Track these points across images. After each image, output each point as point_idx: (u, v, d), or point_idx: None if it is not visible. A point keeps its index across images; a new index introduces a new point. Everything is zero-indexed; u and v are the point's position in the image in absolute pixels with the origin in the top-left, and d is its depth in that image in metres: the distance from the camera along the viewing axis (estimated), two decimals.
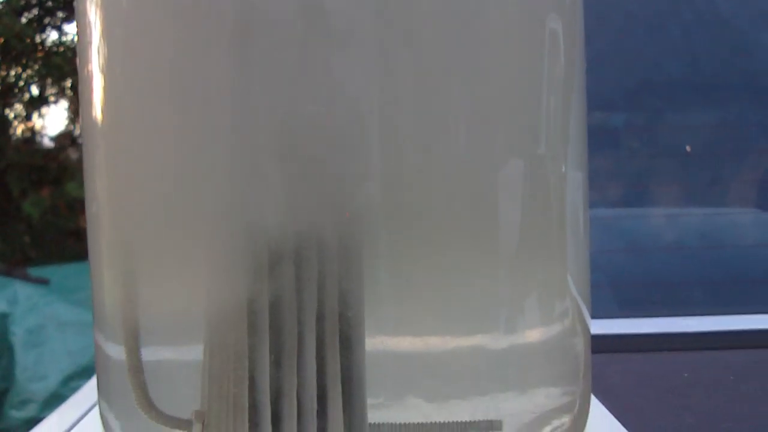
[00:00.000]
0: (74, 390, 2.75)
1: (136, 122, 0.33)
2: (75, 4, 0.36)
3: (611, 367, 0.57)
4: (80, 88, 0.36)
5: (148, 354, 0.33)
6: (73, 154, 4.49)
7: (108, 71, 0.33)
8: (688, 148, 0.86)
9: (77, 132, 4.57)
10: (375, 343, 0.30)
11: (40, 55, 4.29)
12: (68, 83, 4.36)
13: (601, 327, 0.61)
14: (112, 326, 0.34)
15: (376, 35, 0.30)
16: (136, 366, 0.33)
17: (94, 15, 0.34)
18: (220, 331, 0.29)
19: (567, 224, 0.35)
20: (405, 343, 0.32)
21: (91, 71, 0.35)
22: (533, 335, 0.34)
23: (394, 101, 0.30)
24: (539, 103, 0.34)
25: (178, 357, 0.33)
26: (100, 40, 0.34)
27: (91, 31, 0.34)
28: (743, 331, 0.64)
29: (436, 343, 0.32)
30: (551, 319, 0.35)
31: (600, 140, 0.88)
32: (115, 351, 0.34)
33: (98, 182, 0.35)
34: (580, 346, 0.36)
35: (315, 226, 0.30)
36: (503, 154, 0.33)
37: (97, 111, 0.34)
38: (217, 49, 0.31)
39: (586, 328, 0.37)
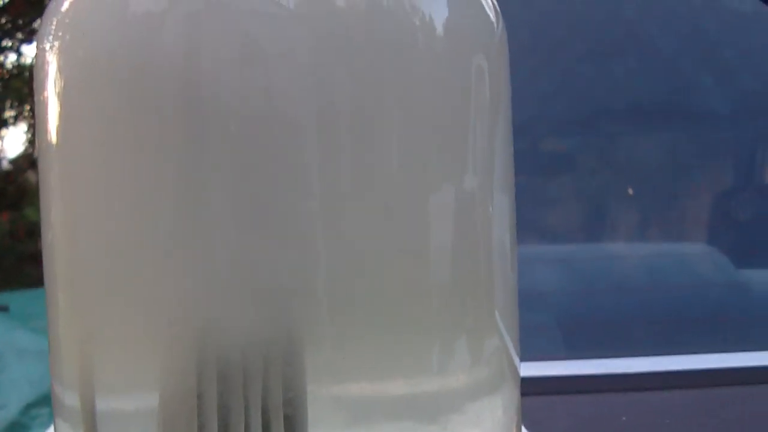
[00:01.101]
0: (35, 418, 2.71)
1: (92, 215, 0.34)
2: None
3: (553, 410, 0.58)
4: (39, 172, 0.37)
5: (103, 406, 0.34)
6: (32, 177, 4.44)
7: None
8: (630, 191, 0.89)
9: (36, 154, 4.52)
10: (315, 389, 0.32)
11: None
12: (27, 106, 4.32)
13: (544, 368, 0.63)
14: (68, 370, 0.35)
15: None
16: (90, 417, 0.34)
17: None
18: (170, 419, 0.31)
19: (494, 261, 0.36)
20: (341, 391, 0.33)
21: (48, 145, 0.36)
22: (462, 377, 0.35)
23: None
24: (465, 137, 0.35)
25: (134, 410, 0.34)
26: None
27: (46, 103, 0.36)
28: (684, 372, 0.66)
29: (370, 391, 0.34)
30: (480, 362, 0.35)
31: (541, 175, 0.90)
32: (72, 400, 0.35)
33: (58, 270, 0.36)
34: (511, 387, 0.37)
35: (261, 334, 0.32)
36: (432, 190, 0.34)
37: (53, 204, 0.36)
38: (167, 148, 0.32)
39: (516, 369, 0.38)
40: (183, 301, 0.32)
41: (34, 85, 0.37)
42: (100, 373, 0.34)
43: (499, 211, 0.37)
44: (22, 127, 4.47)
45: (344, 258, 0.33)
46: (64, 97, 0.35)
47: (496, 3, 0.39)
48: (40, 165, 0.37)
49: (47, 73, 0.36)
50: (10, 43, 4.39)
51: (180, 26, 0.32)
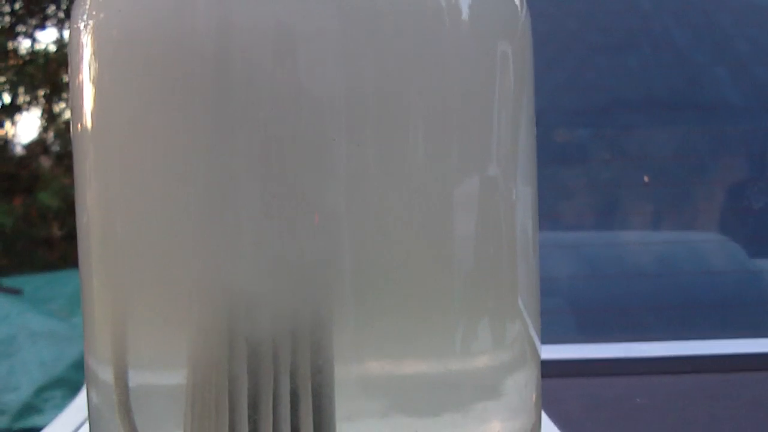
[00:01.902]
0: (47, 401, 2.73)
1: (126, 197, 0.35)
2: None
3: (568, 391, 0.59)
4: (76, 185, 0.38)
5: (136, 381, 0.36)
6: (45, 162, 4.46)
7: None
8: (646, 179, 0.90)
9: (49, 140, 4.54)
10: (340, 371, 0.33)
11: (12, 63, 4.26)
12: (41, 92, 4.34)
13: (559, 352, 0.64)
14: (103, 355, 0.36)
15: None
16: (125, 403, 0.35)
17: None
18: (200, 395, 0.32)
19: (517, 246, 0.37)
20: (366, 369, 0.34)
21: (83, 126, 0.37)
22: (485, 359, 0.35)
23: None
24: (490, 123, 0.36)
25: (165, 385, 0.35)
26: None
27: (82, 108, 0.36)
28: (696, 357, 0.67)
29: (395, 369, 0.35)
30: (503, 344, 0.36)
31: (559, 163, 0.91)
32: (106, 375, 0.36)
33: (93, 251, 0.37)
34: (532, 369, 0.38)
35: (289, 312, 0.33)
36: (457, 175, 0.35)
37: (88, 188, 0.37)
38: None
39: (537, 352, 0.39)
40: (213, 280, 0.33)
41: (69, 65, 0.38)
42: (133, 349, 0.35)
43: (522, 197, 0.37)
44: (36, 112, 4.50)
45: (370, 239, 0.33)
46: (98, 77, 0.36)
47: None
48: (75, 146, 0.38)
49: (82, 53, 0.36)
50: (24, 29, 4.40)
51: (212, 5, 0.33)
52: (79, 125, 0.37)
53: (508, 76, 0.37)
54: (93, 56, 0.36)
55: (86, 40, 0.36)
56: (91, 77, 0.36)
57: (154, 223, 0.35)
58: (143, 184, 0.35)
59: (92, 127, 0.37)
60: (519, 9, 0.39)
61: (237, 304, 0.33)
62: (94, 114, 0.36)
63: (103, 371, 0.36)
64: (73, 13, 0.38)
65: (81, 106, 0.37)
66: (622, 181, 0.92)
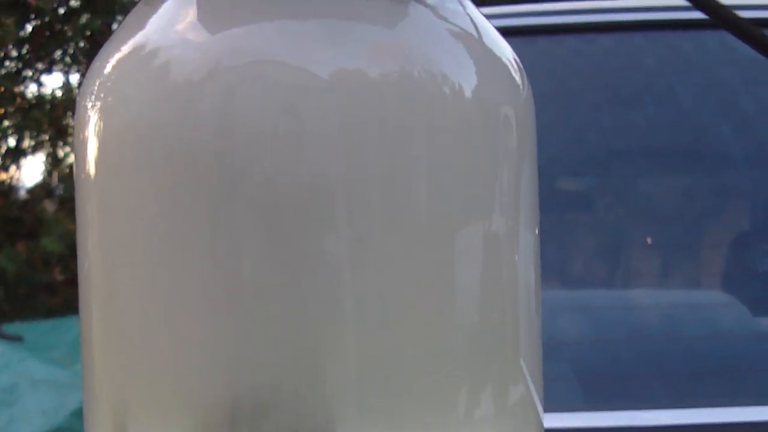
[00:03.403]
0: None
1: (129, 293, 0.35)
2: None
3: None
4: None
5: None
6: (48, 206, 4.47)
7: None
8: (648, 240, 0.90)
9: (53, 184, 4.56)
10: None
11: (18, 104, 4.30)
12: (46, 137, 4.37)
13: (563, 420, 0.63)
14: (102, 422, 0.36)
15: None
16: None
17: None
18: None
19: (519, 306, 0.36)
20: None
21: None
22: (487, 427, 0.35)
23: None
24: (492, 190, 0.36)
25: None
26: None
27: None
28: (704, 425, 0.66)
29: None
30: (505, 409, 0.35)
31: (562, 221, 0.91)
32: None
33: (94, 332, 0.37)
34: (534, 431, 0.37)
35: (291, 391, 0.32)
36: (460, 236, 0.34)
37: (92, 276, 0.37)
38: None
39: (540, 418, 0.38)
40: (215, 362, 0.33)
41: (74, 140, 0.38)
42: (134, 417, 0.35)
43: (525, 256, 0.37)
44: (40, 156, 4.52)
45: (371, 307, 0.33)
46: (102, 158, 0.36)
47: (520, 63, 0.40)
48: (79, 219, 0.38)
49: (87, 131, 0.37)
50: (30, 73, 4.44)
51: (217, 96, 0.34)
52: (83, 203, 0.37)
53: (510, 144, 0.37)
54: (98, 134, 0.36)
55: (93, 118, 0.36)
56: (96, 156, 0.36)
57: (156, 318, 0.34)
58: (145, 267, 0.35)
59: (96, 206, 0.37)
60: (520, 84, 0.39)
61: (240, 399, 0.33)
62: (98, 194, 0.37)
63: None
64: (82, 90, 0.38)
65: (86, 187, 0.37)
66: (625, 239, 0.92)
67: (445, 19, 0.37)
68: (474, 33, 0.37)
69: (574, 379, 0.77)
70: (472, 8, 0.38)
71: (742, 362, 0.82)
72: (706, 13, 0.44)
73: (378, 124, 0.34)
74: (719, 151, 0.97)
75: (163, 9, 0.37)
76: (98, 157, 0.36)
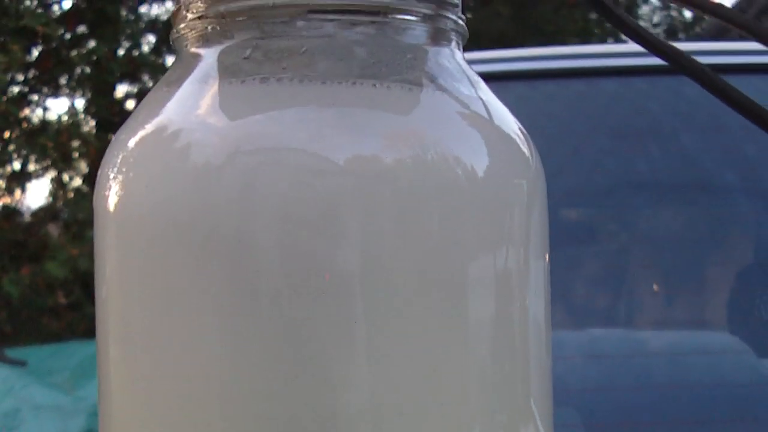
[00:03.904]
0: None
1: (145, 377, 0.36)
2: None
3: None
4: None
5: None
6: (52, 230, 4.49)
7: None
8: (655, 288, 0.90)
9: (58, 207, 4.58)
10: None
11: (24, 127, 4.32)
12: (50, 161, 4.39)
13: None
14: None
15: None
16: None
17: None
18: None
19: (530, 344, 0.37)
20: None
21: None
22: None
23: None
24: (504, 238, 0.37)
25: None
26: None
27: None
28: None
29: None
30: None
31: (570, 269, 0.92)
32: None
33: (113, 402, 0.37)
34: None
35: None
36: (473, 267, 0.35)
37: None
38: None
39: None
40: (227, 423, 0.34)
41: (94, 203, 0.39)
42: None
43: (535, 297, 0.38)
44: (45, 180, 4.54)
45: (383, 354, 0.34)
46: (119, 233, 0.37)
47: (528, 136, 0.41)
48: (98, 308, 0.39)
49: (107, 200, 0.37)
50: (36, 98, 4.47)
51: (236, 180, 0.34)
52: (101, 275, 0.38)
53: (521, 214, 0.38)
54: (117, 205, 0.37)
55: (113, 188, 0.37)
56: (114, 228, 0.37)
57: (169, 364, 0.35)
58: (161, 358, 0.35)
59: (112, 281, 0.37)
60: (530, 157, 0.40)
61: None
62: (117, 274, 0.37)
63: None
64: (105, 159, 0.39)
65: (104, 266, 0.38)
66: (630, 282, 0.93)
67: (457, 103, 0.38)
68: (485, 114, 0.38)
69: (581, 426, 0.77)
70: (482, 88, 0.40)
71: (748, 409, 0.82)
72: (665, 59, 0.45)
73: (393, 206, 0.34)
74: (723, 191, 0.97)
75: (184, 91, 0.38)
76: (116, 230, 0.37)
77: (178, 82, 0.38)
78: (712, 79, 0.44)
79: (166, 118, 0.37)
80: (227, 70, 0.37)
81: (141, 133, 0.38)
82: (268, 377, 0.34)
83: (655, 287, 0.90)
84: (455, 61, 0.40)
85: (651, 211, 0.95)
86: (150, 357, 0.36)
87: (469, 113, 0.38)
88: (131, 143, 0.38)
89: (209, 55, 0.38)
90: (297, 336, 0.34)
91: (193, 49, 0.39)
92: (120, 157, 0.38)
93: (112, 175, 0.38)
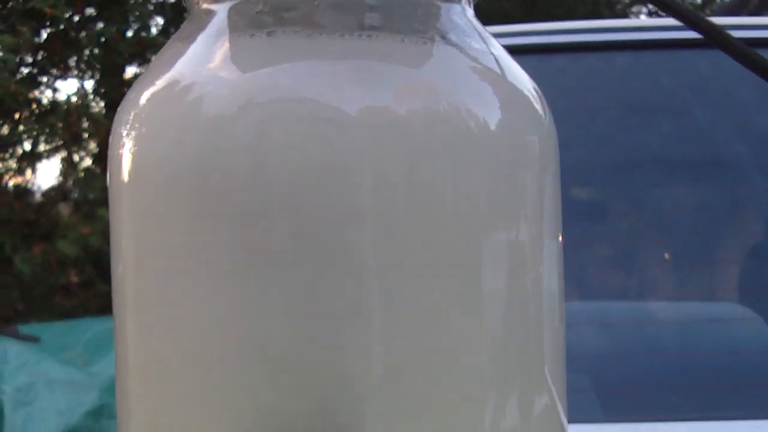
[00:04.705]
0: None
1: (158, 311, 0.36)
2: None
3: None
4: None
5: None
6: (63, 209, 4.50)
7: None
8: (666, 257, 0.90)
9: (68, 188, 4.59)
10: None
11: (34, 110, 4.33)
12: (61, 141, 4.40)
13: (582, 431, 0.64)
14: None
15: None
16: None
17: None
18: None
19: (544, 315, 0.37)
20: None
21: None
22: None
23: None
24: (518, 202, 0.37)
25: None
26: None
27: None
28: None
29: None
30: (530, 419, 0.36)
31: (581, 236, 0.91)
32: None
33: (130, 360, 0.38)
34: None
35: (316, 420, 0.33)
36: (487, 237, 0.35)
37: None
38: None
39: (564, 428, 0.38)
40: (241, 390, 0.34)
41: (108, 164, 0.39)
42: None
43: (549, 267, 0.38)
44: (55, 161, 4.56)
45: (398, 323, 0.34)
46: (133, 188, 0.37)
47: (541, 93, 0.41)
48: (113, 252, 0.39)
49: (121, 158, 0.38)
50: (45, 79, 4.48)
51: (248, 132, 0.35)
52: (116, 229, 0.38)
53: (533, 173, 0.38)
54: (131, 162, 0.37)
55: (126, 146, 0.37)
56: (129, 183, 0.37)
57: (185, 339, 0.35)
58: (177, 302, 0.36)
59: (128, 233, 0.38)
60: (543, 115, 0.40)
61: (264, 413, 0.34)
62: (130, 222, 0.38)
63: None
64: (117, 118, 0.39)
65: (120, 217, 0.38)
66: (643, 253, 0.93)
67: (469, 57, 0.38)
68: (497, 69, 0.38)
69: (593, 390, 0.78)
70: (494, 45, 0.39)
71: (758, 376, 0.82)
72: (701, 33, 0.45)
73: (405, 157, 0.35)
74: (735, 166, 0.97)
75: (196, 46, 0.38)
76: (130, 187, 0.37)
77: (190, 38, 0.38)
78: (746, 53, 0.43)
79: (178, 72, 0.37)
80: (239, 25, 0.37)
81: (153, 89, 0.38)
82: (282, 336, 0.34)
83: (666, 256, 0.90)
84: (466, 17, 0.40)
85: (662, 184, 0.95)
86: (165, 314, 0.36)
87: (481, 68, 0.38)
88: (143, 100, 0.38)
89: (221, 11, 0.38)
90: (309, 290, 0.34)
91: (204, 6, 0.39)
92: (132, 114, 0.38)
93: (125, 133, 0.38)
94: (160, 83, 0.38)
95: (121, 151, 0.38)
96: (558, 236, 0.39)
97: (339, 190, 0.34)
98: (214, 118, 0.35)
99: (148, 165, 0.37)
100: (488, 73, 0.38)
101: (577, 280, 0.90)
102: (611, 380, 0.81)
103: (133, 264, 0.37)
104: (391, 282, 0.34)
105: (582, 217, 0.96)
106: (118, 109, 0.40)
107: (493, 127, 0.37)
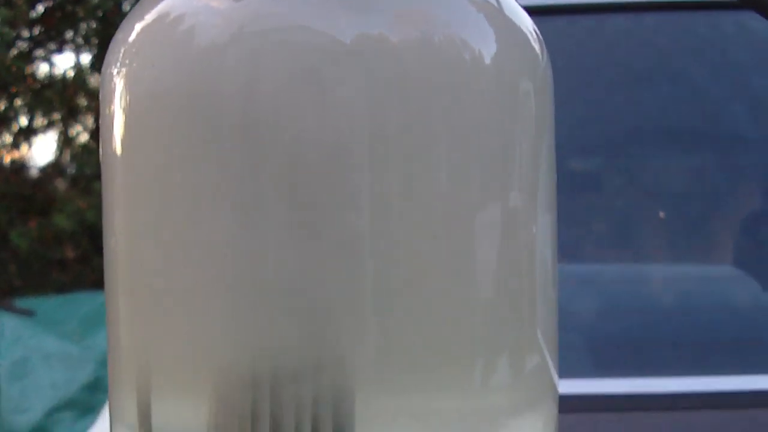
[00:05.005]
0: (58, 423, 2.74)
1: (152, 244, 0.36)
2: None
3: (581, 427, 0.59)
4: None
5: (159, 417, 0.36)
6: (60, 185, 4.49)
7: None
8: (661, 215, 0.90)
9: (65, 163, 4.58)
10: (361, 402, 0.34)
11: (30, 84, 4.31)
12: (57, 116, 4.38)
13: (575, 387, 0.64)
14: (125, 389, 0.37)
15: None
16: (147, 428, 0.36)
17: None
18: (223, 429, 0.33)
19: (537, 277, 0.37)
20: (386, 403, 0.34)
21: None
22: (504, 393, 0.35)
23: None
24: (512, 159, 0.36)
25: (190, 424, 0.36)
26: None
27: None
28: (712, 393, 0.67)
29: (417, 406, 0.35)
30: (521, 377, 0.36)
31: (575, 196, 0.91)
32: (130, 410, 0.37)
33: (120, 300, 0.38)
34: (550, 403, 0.38)
35: (310, 350, 0.33)
36: (479, 208, 0.35)
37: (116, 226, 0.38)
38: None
39: (555, 386, 0.38)
40: (235, 330, 0.34)
41: (100, 107, 0.39)
42: (157, 385, 0.36)
43: (542, 229, 0.38)
44: (52, 135, 4.54)
45: (392, 273, 0.34)
46: (128, 122, 0.37)
47: (539, 34, 0.40)
48: (104, 194, 0.39)
49: (113, 98, 0.37)
50: (42, 54, 4.45)
51: (241, 61, 0.34)
52: (109, 167, 0.38)
53: (529, 113, 0.38)
54: (124, 100, 0.37)
55: (118, 85, 0.37)
56: (122, 119, 0.37)
57: (178, 286, 0.35)
58: (169, 230, 0.35)
59: (121, 170, 0.38)
60: (539, 53, 0.39)
61: (260, 367, 0.34)
62: (123, 156, 0.37)
63: (129, 406, 0.37)
64: (107, 59, 0.39)
65: (111, 146, 0.38)
66: (638, 215, 0.93)
67: None
68: (494, 3, 0.38)
69: (586, 347, 0.78)
70: None
71: (749, 332, 0.82)
72: None
73: (398, 86, 0.34)
74: (731, 130, 0.97)
75: None
76: (124, 121, 0.37)
77: None
78: None
79: (168, 5, 0.37)
80: None
81: (142, 24, 0.37)
82: (277, 265, 0.34)
83: (661, 215, 0.90)
84: None
85: (659, 146, 0.95)
86: (157, 248, 0.36)
87: (479, 1, 0.38)
88: (132, 36, 0.38)
89: None
90: (303, 215, 0.34)
91: None
92: (122, 51, 0.38)
93: (115, 71, 0.38)
94: (149, 17, 0.37)
95: (112, 86, 0.38)
96: (553, 199, 0.39)
97: (332, 116, 0.34)
98: (207, 47, 0.35)
99: (140, 97, 0.37)
100: (486, 7, 0.38)
101: (568, 241, 0.90)
102: (603, 337, 0.81)
103: (124, 195, 0.37)
104: (383, 201, 0.34)
105: (578, 181, 0.96)
106: (107, 53, 0.39)
107: (488, 61, 0.36)
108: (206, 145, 0.35)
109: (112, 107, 0.38)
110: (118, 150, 0.37)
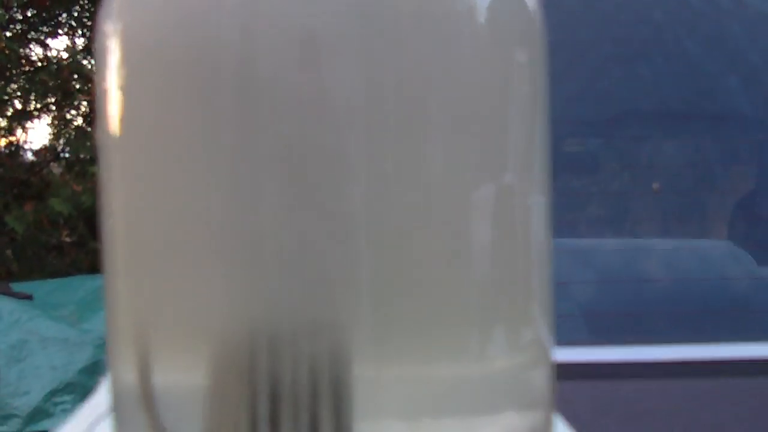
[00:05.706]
0: (57, 405, 2.74)
1: (150, 203, 0.36)
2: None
3: (579, 393, 0.60)
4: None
5: (158, 380, 0.36)
6: (55, 168, 4.48)
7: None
8: (654, 186, 0.90)
9: (60, 147, 4.56)
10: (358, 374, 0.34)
11: (25, 68, 4.29)
12: (52, 99, 4.36)
13: (570, 354, 0.64)
14: (126, 351, 0.37)
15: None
16: (149, 393, 0.36)
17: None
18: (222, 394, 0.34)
19: (532, 252, 0.37)
20: (384, 371, 0.35)
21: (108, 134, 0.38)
22: (500, 362, 0.36)
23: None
24: (506, 128, 0.36)
25: (189, 383, 0.36)
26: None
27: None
28: (706, 360, 0.68)
29: (414, 372, 0.35)
30: (517, 347, 0.37)
31: (570, 172, 0.92)
32: (129, 376, 0.37)
33: (117, 256, 0.38)
34: (545, 371, 0.38)
35: (309, 318, 0.34)
36: (473, 183, 0.35)
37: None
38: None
39: (550, 356, 0.39)
40: (234, 284, 0.34)
41: (96, 67, 0.39)
42: (157, 349, 0.36)
43: (536, 204, 0.38)
44: (47, 119, 4.53)
45: (388, 245, 0.34)
46: (124, 80, 0.37)
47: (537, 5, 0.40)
48: (101, 146, 0.39)
49: (108, 56, 0.37)
50: (36, 36, 4.43)
51: (237, 9, 0.34)
52: (105, 123, 0.38)
53: (524, 80, 0.38)
54: (119, 59, 0.37)
55: (113, 44, 0.37)
56: (118, 80, 0.37)
57: (177, 250, 0.35)
58: (166, 186, 0.35)
59: (118, 127, 0.37)
60: (534, 19, 0.40)
61: (258, 308, 0.34)
62: (120, 112, 0.37)
63: (127, 372, 0.37)
64: (101, 15, 0.39)
65: (107, 108, 0.38)
66: (633, 189, 0.93)
67: None
68: None
69: (582, 316, 0.78)
70: None
71: (743, 303, 0.83)
72: None
73: (392, 31, 0.34)
74: (726, 103, 0.97)
75: None
76: (123, 72, 0.37)
77: None
78: None
79: None
80: None
81: None
82: (275, 229, 0.34)
83: (654, 186, 0.90)
84: None
85: (653, 121, 0.95)
86: (156, 211, 0.36)
87: None
88: None
89: None
90: (299, 160, 0.33)
91: None
92: (116, 6, 0.37)
93: (111, 28, 0.38)
94: None
95: (107, 43, 0.37)
96: (547, 173, 0.39)
97: (327, 59, 0.34)
98: None
99: (136, 51, 0.36)
100: None
101: (563, 215, 0.91)
102: (598, 305, 0.81)
103: (123, 150, 0.37)
104: (376, 145, 0.34)
105: (573, 156, 0.96)
106: (99, 18, 0.39)
107: (483, 12, 0.36)
108: (203, 100, 0.34)
109: (108, 66, 0.37)
110: (117, 110, 0.37)
